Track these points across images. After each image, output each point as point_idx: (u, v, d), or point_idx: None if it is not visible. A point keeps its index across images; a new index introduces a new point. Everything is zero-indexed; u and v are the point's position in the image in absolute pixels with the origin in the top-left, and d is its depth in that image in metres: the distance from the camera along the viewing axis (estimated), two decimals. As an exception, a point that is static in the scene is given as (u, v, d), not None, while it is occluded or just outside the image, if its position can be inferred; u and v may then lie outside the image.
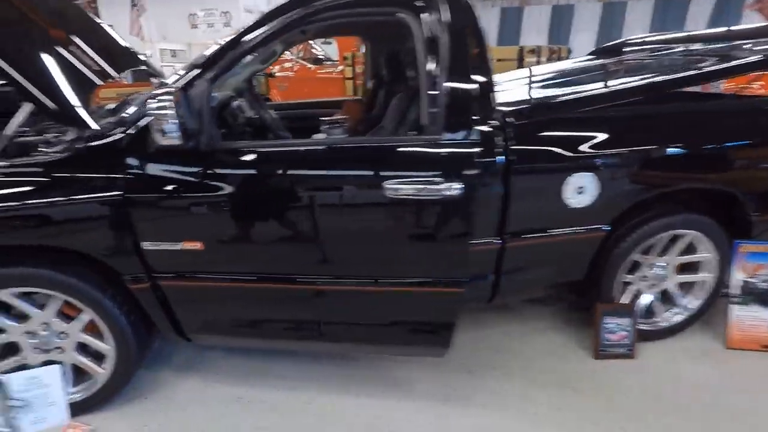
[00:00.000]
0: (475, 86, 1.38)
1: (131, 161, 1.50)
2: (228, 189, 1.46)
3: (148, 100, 1.32)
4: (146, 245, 1.54)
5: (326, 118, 2.55)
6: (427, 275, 1.50)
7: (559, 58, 5.99)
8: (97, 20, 2.35)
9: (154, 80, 2.76)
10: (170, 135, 1.26)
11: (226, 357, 2.08)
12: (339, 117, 2.61)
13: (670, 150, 1.73)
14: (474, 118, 1.39)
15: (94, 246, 1.54)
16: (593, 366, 1.98)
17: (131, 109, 1.72)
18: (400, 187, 1.35)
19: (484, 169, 1.41)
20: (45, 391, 1.72)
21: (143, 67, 2.44)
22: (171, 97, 1.23)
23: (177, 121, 1.25)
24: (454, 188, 1.34)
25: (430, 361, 1.98)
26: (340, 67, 6.29)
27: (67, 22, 1.98)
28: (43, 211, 1.48)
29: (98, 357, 1.75)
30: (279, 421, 1.74)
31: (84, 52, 1.86)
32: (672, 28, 10.60)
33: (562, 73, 2.52)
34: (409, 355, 1.79)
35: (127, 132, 1.52)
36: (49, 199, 1.48)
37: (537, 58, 5.71)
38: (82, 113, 1.56)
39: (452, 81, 1.37)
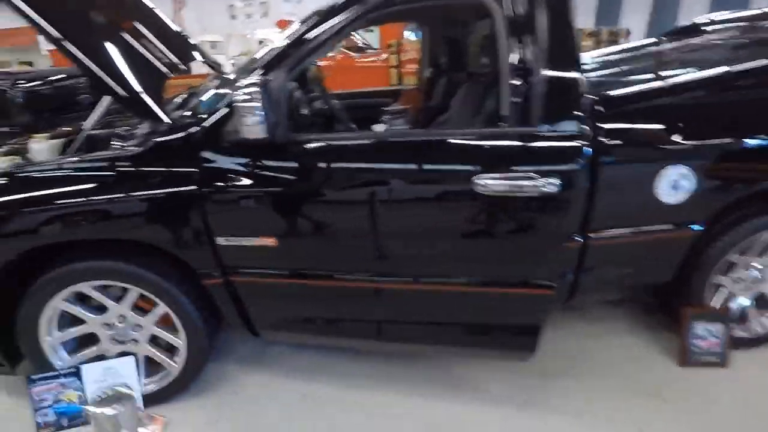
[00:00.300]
0: (577, 73, 1.26)
1: (206, 155, 1.47)
2: (304, 183, 1.41)
3: (234, 92, 1.26)
4: (220, 240, 1.52)
5: (387, 108, 2.48)
6: (517, 275, 1.41)
7: (615, 42, 5.64)
8: (156, 10, 2.34)
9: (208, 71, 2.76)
10: (256, 128, 1.22)
11: (290, 352, 2.07)
12: (399, 107, 2.53)
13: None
14: (575, 107, 1.27)
15: (169, 240, 1.53)
16: (680, 374, 1.84)
17: (200, 101, 1.69)
18: (491, 182, 1.26)
19: (582, 162, 1.29)
20: (121, 382, 1.76)
21: (201, 59, 2.43)
22: (257, 89, 1.18)
23: (263, 113, 1.20)
24: (552, 184, 1.23)
25: (501, 363, 1.89)
26: (384, 55, 6.17)
27: (131, 12, 1.97)
28: (120, 205, 1.48)
29: (170, 350, 1.77)
30: (353, 421, 1.70)
31: (152, 43, 1.85)
32: (734, 8, 9.82)
33: (640, 57, 2.32)
34: (492, 358, 1.71)
35: (202, 125, 1.49)
36: (125, 194, 1.48)
37: (597, 40, 5.39)
38: (156, 107, 1.55)
39: (552, 67, 1.25)
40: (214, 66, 2.59)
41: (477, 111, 1.79)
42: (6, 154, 1.91)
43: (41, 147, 2.00)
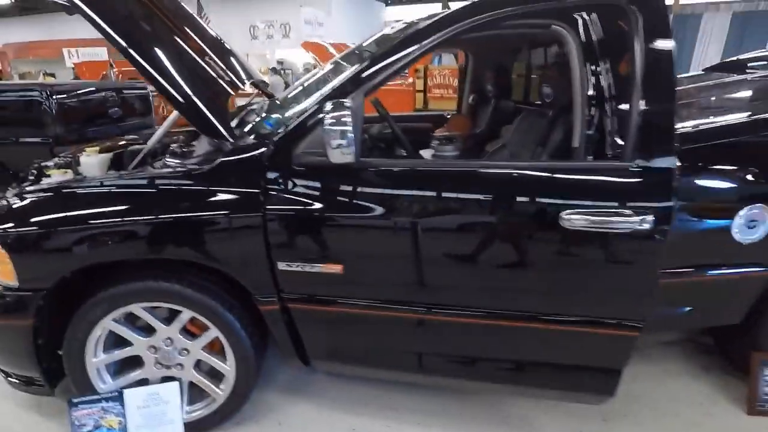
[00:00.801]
0: (674, 106, 1.22)
1: (272, 176, 1.43)
2: (377, 210, 1.36)
3: (308, 114, 1.23)
4: (281, 265, 1.46)
5: (433, 134, 2.45)
6: (604, 314, 1.34)
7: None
8: (210, 29, 2.35)
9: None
10: (344, 151, 1.18)
11: (332, 381, 1.99)
12: (446, 132, 2.51)
13: None
14: (671, 142, 1.23)
15: (229, 263, 1.48)
16: (747, 423, 1.74)
17: (262, 121, 1.67)
18: (578, 218, 1.21)
19: (676, 199, 1.24)
20: (163, 408, 1.68)
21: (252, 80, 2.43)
22: (347, 113, 1.15)
23: (352, 137, 1.16)
24: (647, 221, 1.18)
25: (559, 403, 1.80)
26: (410, 80, 6.23)
27: (194, 29, 1.97)
28: (182, 225, 1.44)
29: (214, 376, 1.70)
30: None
31: (215, 61, 1.85)
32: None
33: (699, 90, 2.30)
34: (565, 400, 1.62)
35: (269, 146, 1.46)
36: (188, 213, 1.44)
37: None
38: (221, 126, 1.53)
39: (650, 98, 1.21)
40: (261, 86, 2.60)
41: (540, 141, 1.76)
42: (58, 167, 1.89)
43: (91, 161, 1.98)
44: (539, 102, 1.96)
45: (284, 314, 1.54)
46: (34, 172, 1.87)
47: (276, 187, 1.43)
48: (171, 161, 1.70)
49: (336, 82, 1.44)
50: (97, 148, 2.03)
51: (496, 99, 2.57)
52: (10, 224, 1.45)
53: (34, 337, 1.53)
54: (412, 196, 1.37)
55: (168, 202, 1.46)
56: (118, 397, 1.65)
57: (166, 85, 1.45)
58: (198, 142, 1.82)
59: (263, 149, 1.46)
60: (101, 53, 14.54)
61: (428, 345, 1.51)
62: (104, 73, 8.18)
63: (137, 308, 1.54)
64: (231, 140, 1.52)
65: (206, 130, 1.51)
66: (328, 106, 1.18)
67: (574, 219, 1.22)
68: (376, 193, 1.38)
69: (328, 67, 2.03)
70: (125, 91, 4.95)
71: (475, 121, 2.68)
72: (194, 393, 1.72)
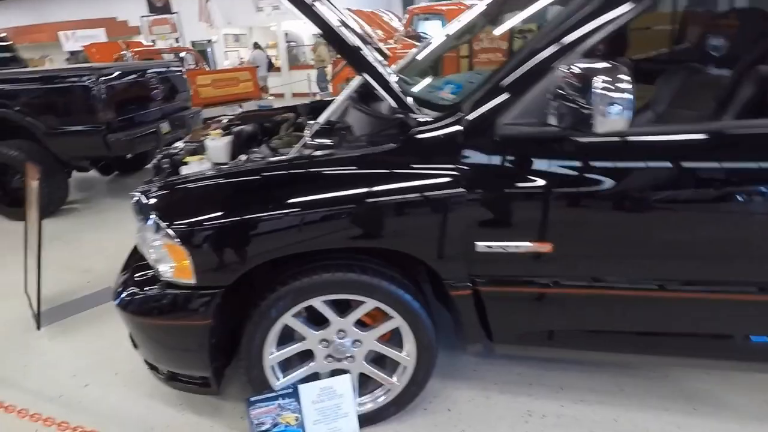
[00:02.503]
0: None
1: (473, 152, 1.30)
2: (607, 183, 1.23)
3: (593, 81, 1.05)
4: (481, 247, 1.35)
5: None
6: None
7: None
8: None
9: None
10: (616, 120, 1.04)
11: (481, 364, 1.92)
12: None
13: None
14: None
15: (422, 248, 1.37)
16: None
17: (444, 92, 1.52)
18: None
19: None
20: (337, 402, 1.60)
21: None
22: (627, 74, 1.01)
23: (632, 99, 1.02)
24: None
25: (747, 378, 1.74)
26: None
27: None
28: (374, 210, 1.32)
29: (382, 365, 1.62)
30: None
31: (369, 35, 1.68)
32: None
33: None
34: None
35: (461, 118, 1.32)
36: (377, 197, 1.31)
37: None
38: (407, 98, 1.38)
39: None
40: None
41: (719, 100, 1.60)
42: (192, 154, 1.75)
43: (218, 144, 1.84)
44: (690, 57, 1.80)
45: (475, 298, 1.45)
46: (167, 161, 1.73)
47: (478, 162, 1.30)
48: (319, 141, 1.56)
49: (552, 44, 1.26)
50: (220, 131, 1.88)
51: (606, 57, 2.38)
52: (190, 219, 1.33)
53: (211, 336, 1.44)
54: (651, 168, 1.24)
55: (360, 185, 1.32)
56: (294, 393, 1.57)
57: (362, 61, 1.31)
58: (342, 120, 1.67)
59: (457, 122, 1.32)
60: (99, 34, 14.02)
61: (632, 322, 1.42)
62: (118, 55, 7.83)
63: (319, 302, 1.44)
64: (416, 114, 1.38)
65: (398, 102, 1.36)
66: (575, 68, 1.03)
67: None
68: (597, 166, 1.25)
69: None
70: (163, 73, 4.71)
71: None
72: (364, 385, 1.65)
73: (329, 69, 10.33)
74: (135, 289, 1.49)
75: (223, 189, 1.39)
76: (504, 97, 1.28)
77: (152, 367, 1.68)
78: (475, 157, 1.31)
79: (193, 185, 1.42)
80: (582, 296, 1.40)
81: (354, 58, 1.31)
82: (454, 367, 1.91)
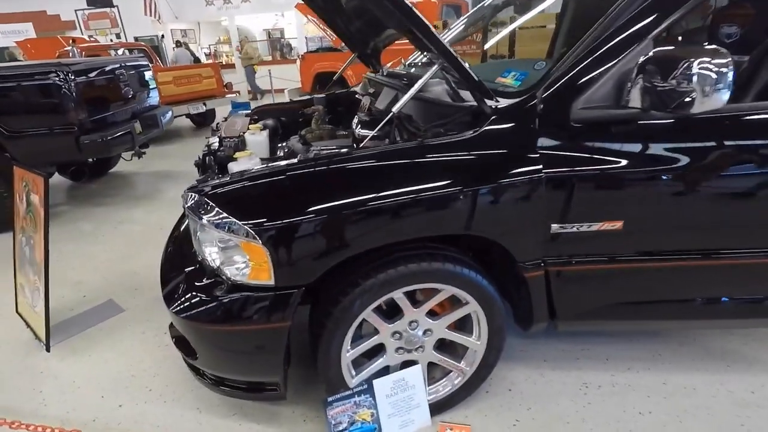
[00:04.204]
0: None
1: (550, 137, 1.34)
2: (685, 160, 1.31)
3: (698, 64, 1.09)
4: (555, 228, 1.40)
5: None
6: None
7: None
8: None
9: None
10: (715, 97, 1.10)
11: (536, 342, 1.98)
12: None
13: None
14: None
15: (500, 233, 1.39)
16: None
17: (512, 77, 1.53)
18: None
19: None
20: (410, 393, 1.60)
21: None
22: (725, 56, 1.06)
23: (732, 77, 1.08)
24: None
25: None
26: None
27: None
28: (457, 197, 1.32)
29: (446, 352, 1.63)
30: (653, 403, 1.65)
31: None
32: None
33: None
34: None
35: (536, 104, 1.35)
36: (459, 184, 1.31)
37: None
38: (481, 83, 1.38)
39: None
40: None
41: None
42: (236, 150, 1.65)
43: (258, 139, 1.76)
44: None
45: (546, 278, 1.49)
46: (210, 159, 1.62)
47: (553, 146, 1.34)
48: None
49: (629, 26, 1.31)
50: (260, 125, 1.80)
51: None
52: (270, 215, 1.26)
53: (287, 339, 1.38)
54: (748, 144, 1.33)
55: (443, 173, 1.32)
56: (368, 389, 1.55)
57: (440, 45, 1.30)
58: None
59: (533, 108, 1.35)
60: (27, 29, 12.78)
61: (694, 290, 1.53)
62: (62, 51, 7.16)
63: (400, 293, 1.42)
64: (492, 99, 1.39)
65: (479, 89, 1.36)
66: (666, 50, 1.09)
67: None
68: (693, 145, 1.33)
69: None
70: (133, 68, 4.39)
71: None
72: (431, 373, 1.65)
73: (257, 67, 10.28)
74: (199, 295, 1.39)
75: (302, 182, 1.33)
76: (579, 81, 1.32)
77: (206, 377, 1.58)
78: (552, 141, 1.34)
79: (265, 180, 1.34)
80: (646, 269, 1.48)
81: (433, 42, 1.30)
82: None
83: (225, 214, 1.29)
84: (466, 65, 1.35)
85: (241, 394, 1.55)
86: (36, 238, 2.07)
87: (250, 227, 1.26)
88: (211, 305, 1.36)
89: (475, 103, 1.42)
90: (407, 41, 1.59)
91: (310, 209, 1.26)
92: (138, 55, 5.16)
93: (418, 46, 1.47)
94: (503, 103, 1.40)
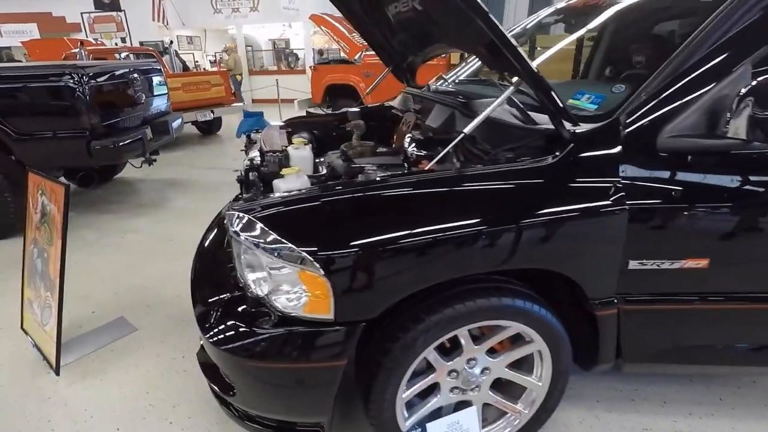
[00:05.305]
0: None
1: (633, 165, 1.23)
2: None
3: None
4: (633, 264, 1.29)
5: None
6: None
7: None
8: None
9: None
10: None
11: (585, 380, 1.86)
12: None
13: None
14: None
15: (573, 267, 1.28)
16: None
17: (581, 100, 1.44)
18: None
19: None
20: (464, 438, 1.46)
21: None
22: None
23: None
24: None
25: None
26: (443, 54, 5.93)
27: None
28: (531, 228, 1.21)
29: (503, 392, 1.50)
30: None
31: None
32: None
33: None
34: None
35: (618, 130, 1.25)
36: (537, 215, 1.20)
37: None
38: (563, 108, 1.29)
39: None
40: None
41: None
42: (282, 167, 1.53)
43: (302, 154, 1.65)
44: None
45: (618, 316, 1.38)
46: (254, 175, 1.50)
47: (636, 177, 1.24)
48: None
49: (726, 49, 1.22)
50: (303, 139, 1.68)
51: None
52: (336, 243, 1.14)
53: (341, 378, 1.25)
54: None
55: (522, 202, 1.21)
56: (421, 433, 1.41)
57: (530, 70, 1.20)
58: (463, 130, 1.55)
59: (615, 134, 1.25)
60: (31, 30, 12.65)
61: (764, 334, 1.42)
62: (68, 53, 7.04)
63: (465, 330, 1.30)
64: (572, 125, 1.29)
65: (561, 112, 1.26)
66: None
67: None
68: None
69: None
70: (146, 72, 4.28)
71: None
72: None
73: (239, 77, 10.28)
74: (244, 326, 1.26)
75: (370, 206, 1.21)
76: (669, 107, 1.23)
77: (234, 409, 1.44)
78: (635, 171, 1.24)
79: (325, 202, 1.22)
80: (731, 311, 1.38)
81: (519, 61, 1.20)
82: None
83: (280, 239, 1.17)
84: (551, 87, 1.25)
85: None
86: (51, 251, 1.92)
87: (310, 255, 1.13)
88: (257, 338, 1.22)
89: (550, 127, 1.32)
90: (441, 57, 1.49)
91: (381, 237, 1.14)
92: (151, 60, 5.06)
93: (493, 64, 1.37)
94: (582, 128, 1.31)
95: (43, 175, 1.99)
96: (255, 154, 1.69)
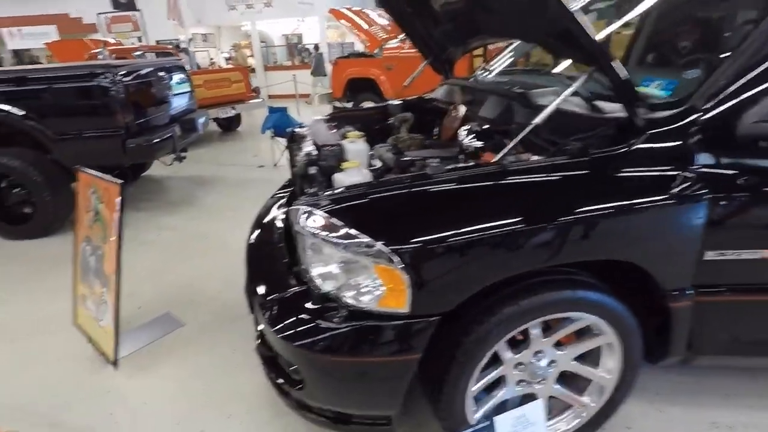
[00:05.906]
0: None
1: (712, 154, 1.20)
2: None
3: None
4: (710, 255, 1.25)
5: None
6: None
7: None
8: None
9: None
10: None
11: (643, 373, 1.81)
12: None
13: None
14: None
15: (650, 259, 1.25)
16: None
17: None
18: None
19: None
20: (531, 431, 1.45)
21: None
22: None
23: None
24: None
25: None
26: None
27: None
28: (610, 218, 1.18)
29: (568, 385, 1.49)
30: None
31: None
32: None
33: None
34: None
35: (701, 118, 1.21)
36: (615, 205, 1.17)
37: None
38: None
39: None
40: None
41: None
42: (340, 161, 1.52)
43: (359, 147, 1.64)
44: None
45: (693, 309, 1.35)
46: (313, 169, 1.50)
47: (715, 165, 1.20)
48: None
49: None
50: (358, 132, 1.67)
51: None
52: (414, 236, 1.13)
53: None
54: None
55: (596, 192, 1.19)
56: (490, 427, 1.39)
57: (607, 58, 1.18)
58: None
59: (692, 122, 1.21)
60: (50, 32, 12.83)
61: None
62: (91, 53, 7.13)
63: (537, 322, 1.29)
64: (642, 107, 1.26)
65: (636, 99, 1.23)
66: None
67: None
68: None
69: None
70: (173, 71, 4.31)
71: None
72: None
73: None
74: (314, 320, 1.26)
75: (445, 198, 1.20)
76: (754, 90, 1.19)
77: (292, 398, 1.44)
78: (715, 159, 1.21)
79: (397, 195, 1.21)
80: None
81: (594, 48, 1.17)
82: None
83: (355, 233, 1.16)
84: (628, 75, 1.21)
85: (344, 427, 1.40)
86: (105, 249, 1.95)
87: (387, 248, 1.13)
88: (331, 333, 1.22)
89: (620, 115, 1.29)
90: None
91: (459, 229, 1.13)
92: (176, 59, 5.10)
93: (563, 53, 1.34)
94: (656, 114, 1.27)
95: (95, 175, 2.01)
96: (311, 148, 1.69)
